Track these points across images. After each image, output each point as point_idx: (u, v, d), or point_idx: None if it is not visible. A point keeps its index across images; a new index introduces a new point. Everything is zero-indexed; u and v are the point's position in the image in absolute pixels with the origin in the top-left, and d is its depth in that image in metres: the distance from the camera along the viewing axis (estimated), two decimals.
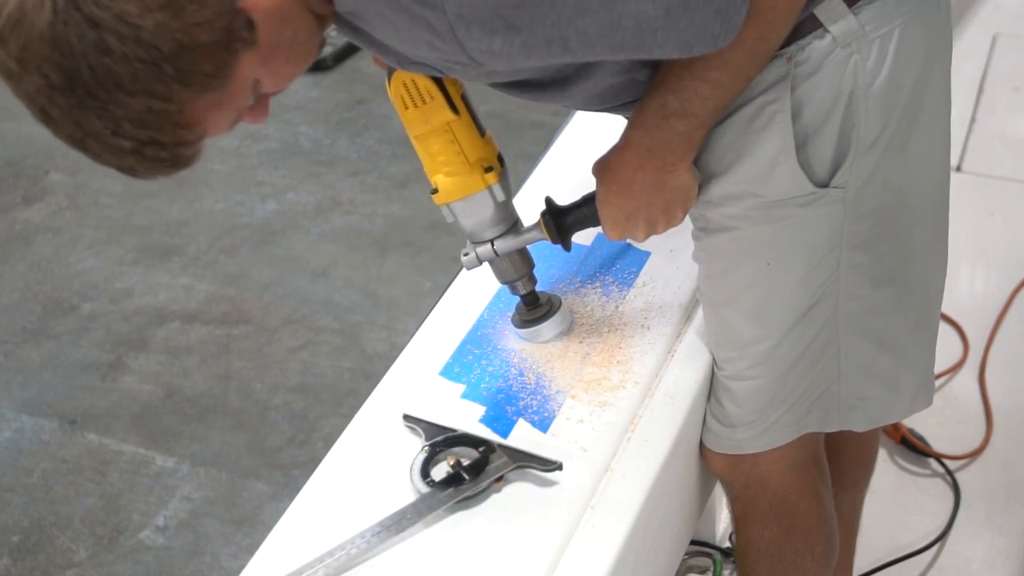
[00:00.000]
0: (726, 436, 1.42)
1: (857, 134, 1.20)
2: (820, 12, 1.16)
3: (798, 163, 1.20)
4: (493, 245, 1.35)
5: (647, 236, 1.29)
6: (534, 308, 1.42)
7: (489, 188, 1.30)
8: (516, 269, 1.39)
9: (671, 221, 1.28)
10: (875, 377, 1.39)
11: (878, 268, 1.30)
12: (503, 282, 1.41)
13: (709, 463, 1.48)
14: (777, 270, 1.29)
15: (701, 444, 1.46)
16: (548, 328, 1.41)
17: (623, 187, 1.24)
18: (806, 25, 1.17)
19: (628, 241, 1.34)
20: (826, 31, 1.16)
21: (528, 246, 1.38)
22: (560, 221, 1.34)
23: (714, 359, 1.40)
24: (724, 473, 1.49)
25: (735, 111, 1.21)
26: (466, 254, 1.37)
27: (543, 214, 1.34)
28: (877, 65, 1.18)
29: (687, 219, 1.31)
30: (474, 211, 1.32)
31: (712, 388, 1.42)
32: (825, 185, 1.23)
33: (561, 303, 1.43)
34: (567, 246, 1.37)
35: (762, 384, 1.36)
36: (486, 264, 1.39)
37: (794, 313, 1.31)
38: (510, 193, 1.34)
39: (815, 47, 1.17)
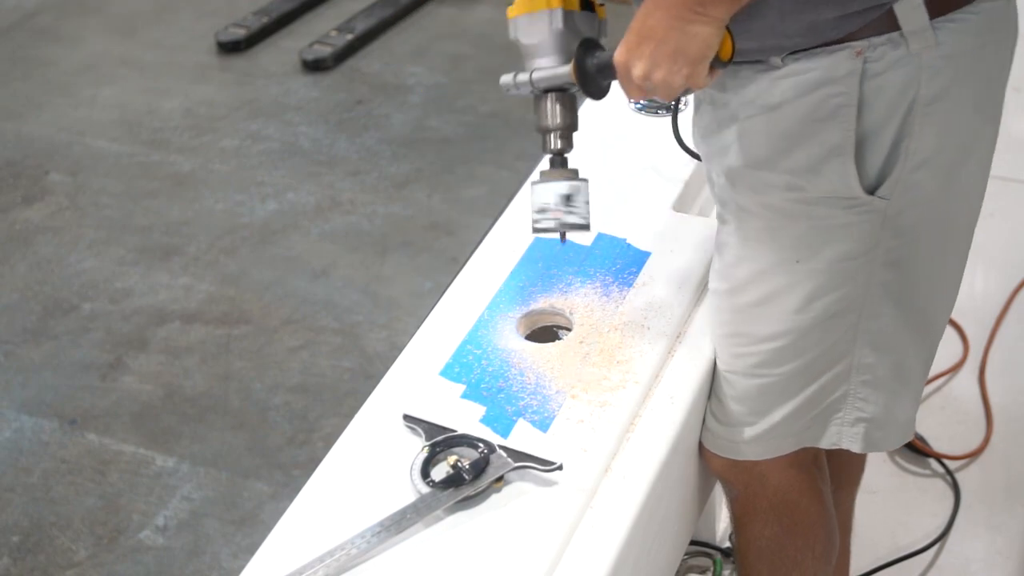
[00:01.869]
0: (726, 438, 1.42)
1: (907, 147, 1.20)
2: (900, 12, 1.15)
3: (854, 162, 1.19)
4: (532, 75, 1.30)
5: (643, 77, 1.18)
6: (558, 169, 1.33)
7: (551, 10, 1.28)
8: (553, 117, 1.31)
9: (671, 74, 1.16)
10: (880, 400, 1.38)
11: (905, 290, 1.29)
12: (538, 130, 1.33)
13: (709, 463, 1.48)
14: (804, 269, 1.28)
15: (700, 444, 1.46)
16: (560, 186, 1.31)
17: (650, 10, 1.16)
18: (883, 23, 1.16)
19: (624, 86, 1.24)
20: (902, 36, 1.15)
21: (576, 120, 1.32)
22: (584, 62, 1.28)
23: (721, 354, 1.39)
24: (724, 473, 1.48)
25: (797, 98, 1.20)
26: (507, 74, 1.32)
27: (574, 53, 1.28)
28: (943, 84, 1.17)
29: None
30: (531, 30, 1.29)
31: (713, 387, 1.42)
32: (870, 192, 1.22)
33: (588, 184, 1.33)
34: (590, 92, 1.29)
35: (768, 384, 1.35)
36: (482, 268, 1.37)
37: (814, 317, 1.30)
38: (578, 33, 1.29)
39: (887, 49, 1.16)
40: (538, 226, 1.33)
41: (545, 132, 1.32)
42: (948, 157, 1.22)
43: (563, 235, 1.33)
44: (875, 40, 1.16)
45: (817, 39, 1.18)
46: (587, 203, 1.32)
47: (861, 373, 1.35)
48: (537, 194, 1.32)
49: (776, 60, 1.21)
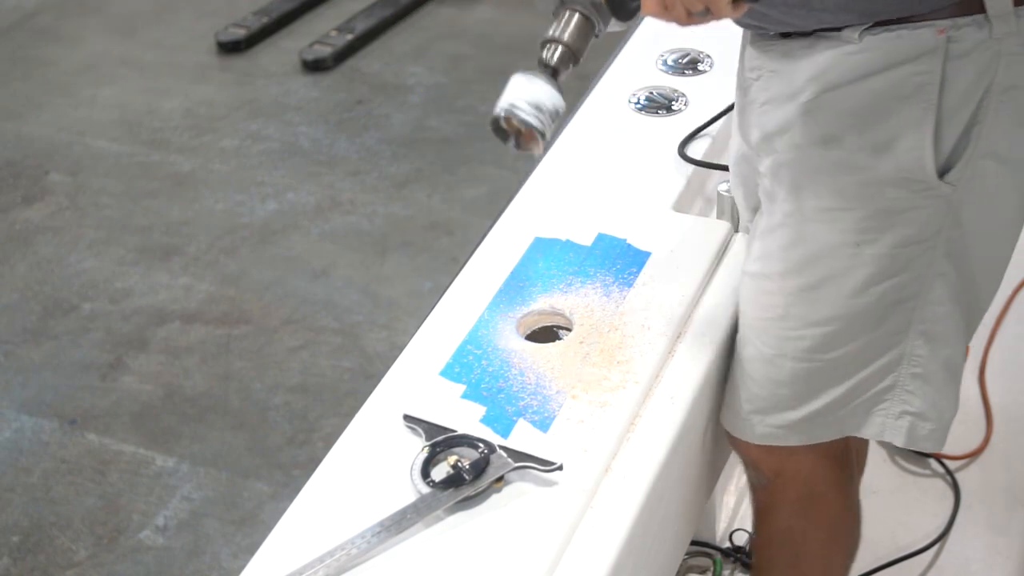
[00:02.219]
0: (765, 424, 1.39)
1: (978, 133, 1.19)
2: None
3: (932, 142, 1.18)
4: None
5: None
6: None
7: None
8: (563, 31, 1.23)
9: None
10: (927, 394, 1.36)
11: (960, 282, 1.28)
12: (542, 41, 1.25)
13: (745, 453, 1.46)
14: (865, 253, 1.26)
15: (729, 435, 1.45)
16: (537, 85, 1.23)
17: None
18: (969, 4, 1.14)
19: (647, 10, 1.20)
20: (987, 19, 1.14)
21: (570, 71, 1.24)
22: None
23: (765, 338, 1.36)
24: (758, 460, 1.46)
25: (874, 75, 1.18)
26: None
27: None
28: (1020, 73, 1.16)
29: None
30: None
31: (738, 376, 1.41)
32: (939, 177, 1.21)
33: (563, 109, 1.25)
34: (616, 10, 1.22)
35: (816, 368, 1.34)
36: (482, 268, 1.37)
37: (870, 302, 1.28)
38: None
39: (971, 30, 1.15)
40: (496, 112, 1.24)
41: (548, 43, 1.24)
42: (1014, 150, 1.21)
43: (517, 139, 1.24)
44: (960, 21, 1.15)
45: (903, 9, 1.16)
46: (553, 122, 1.24)
47: (912, 365, 1.33)
48: (512, 83, 1.24)
49: (852, 35, 1.18)
